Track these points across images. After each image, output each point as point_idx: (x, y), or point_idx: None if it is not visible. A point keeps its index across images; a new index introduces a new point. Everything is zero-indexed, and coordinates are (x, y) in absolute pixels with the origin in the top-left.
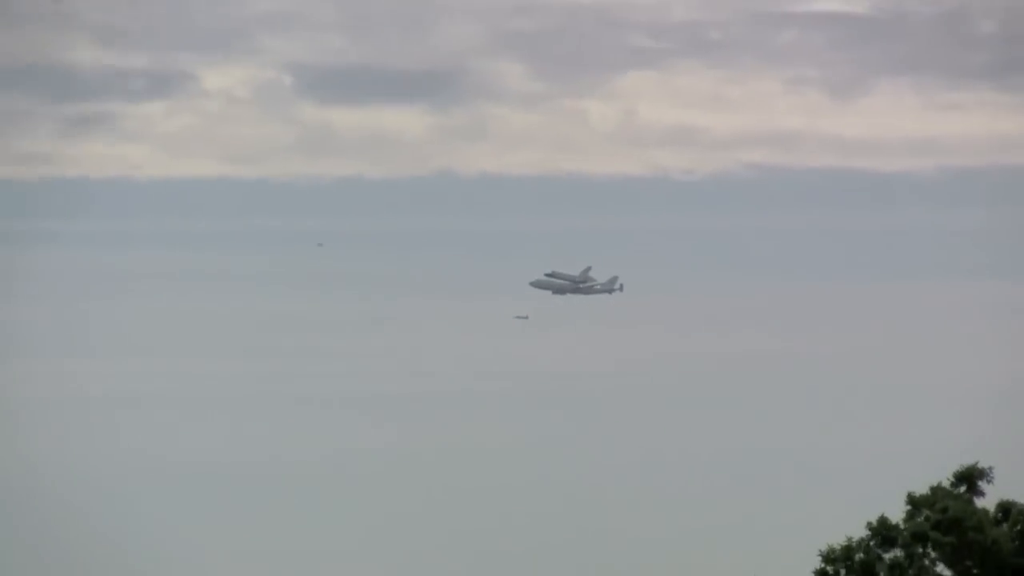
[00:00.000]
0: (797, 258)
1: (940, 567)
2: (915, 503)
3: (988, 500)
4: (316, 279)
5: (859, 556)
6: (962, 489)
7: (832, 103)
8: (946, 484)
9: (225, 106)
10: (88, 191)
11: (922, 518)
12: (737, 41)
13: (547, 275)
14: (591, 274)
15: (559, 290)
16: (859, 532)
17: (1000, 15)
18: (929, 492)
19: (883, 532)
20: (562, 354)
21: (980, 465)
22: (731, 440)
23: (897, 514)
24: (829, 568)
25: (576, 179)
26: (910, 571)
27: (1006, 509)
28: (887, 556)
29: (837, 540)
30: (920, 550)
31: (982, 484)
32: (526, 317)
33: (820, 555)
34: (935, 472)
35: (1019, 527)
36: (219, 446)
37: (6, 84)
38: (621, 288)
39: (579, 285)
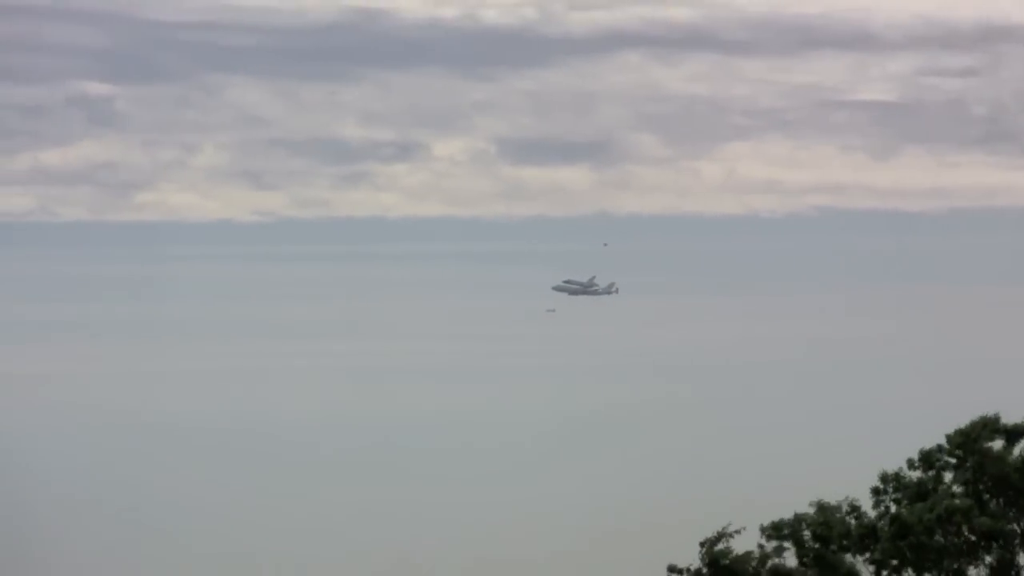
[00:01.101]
0: (843, 269)
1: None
2: (950, 441)
3: None
4: (499, 286)
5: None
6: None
7: (872, 163)
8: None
9: (449, 167)
10: (353, 226)
11: (949, 450)
12: (806, 120)
13: (564, 282)
14: (596, 281)
15: (573, 292)
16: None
17: (988, 102)
18: (954, 434)
19: (926, 460)
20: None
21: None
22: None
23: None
24: (881, 485)
25: (692, 216)
26: (932, 488)
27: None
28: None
29: (889, 468)
30: (943, 471)
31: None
32: (553, 310)
33: (879, 476)
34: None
35: None
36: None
37: (298, 152)
38: (617, 291)
39: (587, 289)
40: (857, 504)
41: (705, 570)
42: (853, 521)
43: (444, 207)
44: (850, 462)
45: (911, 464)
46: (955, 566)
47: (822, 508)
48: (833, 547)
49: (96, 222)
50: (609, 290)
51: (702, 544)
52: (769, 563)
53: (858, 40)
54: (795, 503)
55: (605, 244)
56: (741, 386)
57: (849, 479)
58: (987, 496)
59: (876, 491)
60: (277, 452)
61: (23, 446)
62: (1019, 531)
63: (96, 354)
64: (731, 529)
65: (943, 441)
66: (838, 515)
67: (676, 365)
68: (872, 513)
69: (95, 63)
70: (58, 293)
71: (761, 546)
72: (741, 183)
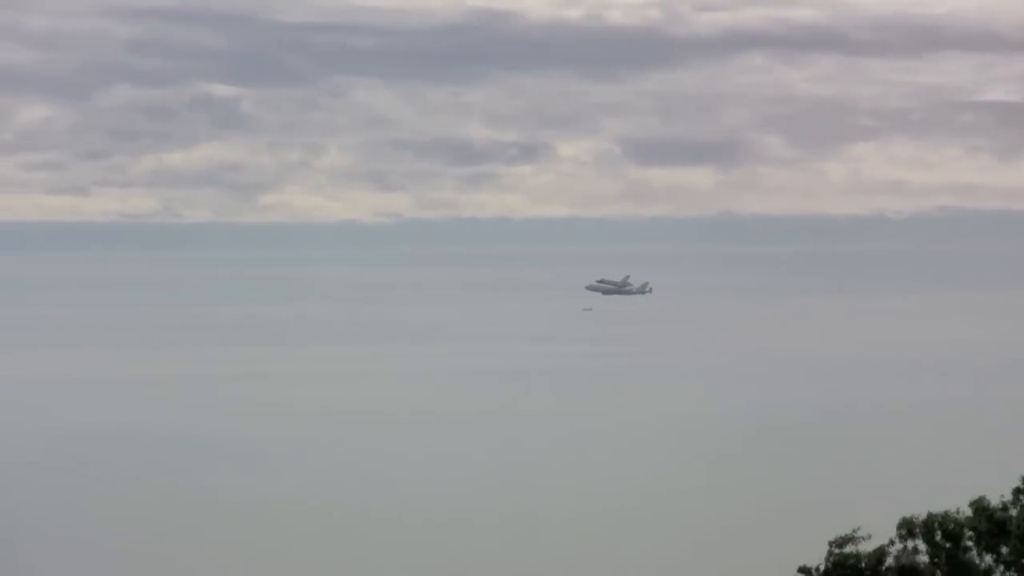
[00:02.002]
0: (969, 269)
1: None
2: None
3: None
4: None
5: None
6: None
7: (999, 163)
8: None
9: (574, 168)
10: (478, 227)
11: None
12: (931, 121)
13: (598, 281)
14: (629, 280)
15: (606, 292)
16: None
17: None
18: None
19: None
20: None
21: None
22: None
23: None
24: (1022, 485)
25: (818, 217)
26: None
27: None
28: None
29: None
30: None
31: None
32: (590, 309)
33: (1021, 477)
34: None
35: None
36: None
37: (423, 153)
38: (651, 290)
39: (621, 288)
40: (1009, 504)
41: (832, 571)
42: (985, 520)
43: (569, 208)
44: (980, 464)
45: None
46: None
47: (980, 508)
48: (968, 545)
49: (220, 224)
50: (643, 290)
51: (830, 544)
52: (895, 561)
53: (983, 41)
54: (924, 504)
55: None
56: (857, 388)
57: (981, 480)
58: None
59: (1017, 491)
60: (395, 451)
61: (163, 447)
62: None
63: (217, 355)
64: (860, 533)
65: None
66: (993, 516)
67: (800, 367)
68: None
69: (220, 65)
70: (181, 294)
71: (892, 542)
72: (867, 184)
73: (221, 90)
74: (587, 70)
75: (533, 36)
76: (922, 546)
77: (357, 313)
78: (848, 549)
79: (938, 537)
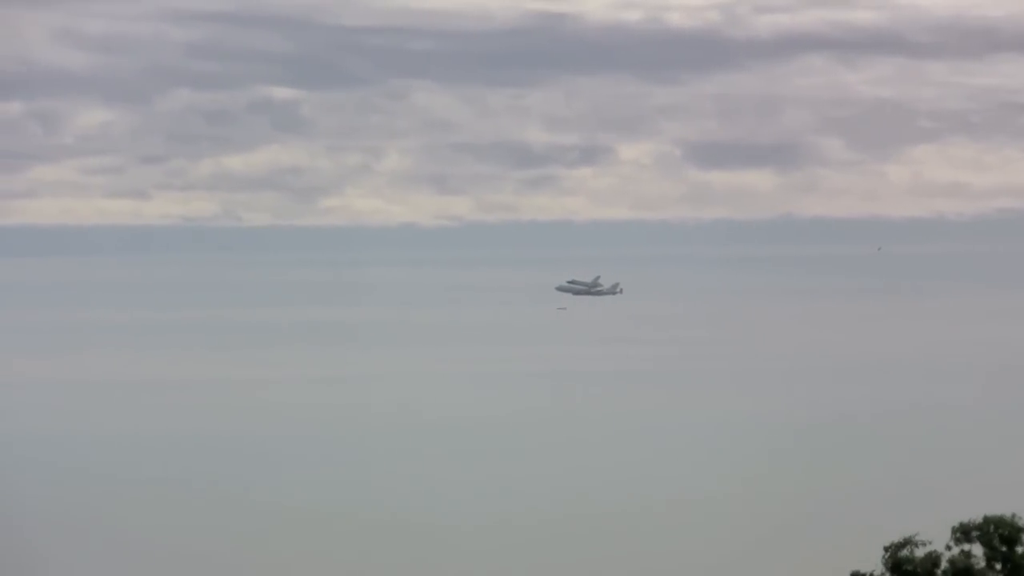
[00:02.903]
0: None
1: None
2: None
3: None
4: (682, 290)
5: None
6: None
7: None
8: None
9: (635, 170)
10: (539, 230)
11: None
12: (991, 123)
13: (568, 282)
14: (600, 281)
15: (577, 292)
16: None
17: None
18: None
19: None
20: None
21: None
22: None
23: None
24: None
25: (879, 219)
26: None
27: None
28: None
29: None
30: None
31: None
32: (564, 308)
33: None
34: None
35: None
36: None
37: (483, 156)
38: (621, 291)
39: (591, 289)
40: None
41: None
42: None
43: (629, 210)
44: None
45: None
46: None
47: None
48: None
49: (281, 227)
50: (613, 290)
51: (886, 549)
52: (951, 565)
53: None
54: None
55: (879, 248)
56: (916, 390)
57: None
58: None
59: None
60: (458, 454)
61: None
62: None
63: (276, 358)
64: (918, 538)
65: None
66: None
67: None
68: None
69: (279, 68)
70: (241, 297)
71: (948, 547)
72: (927, 186)
73: (280, 93)
74: (646, 72)
75: (592, 39)
76: (978, 550)
77: (418, 316)
78: (904, 553)
79: (995, 541)
